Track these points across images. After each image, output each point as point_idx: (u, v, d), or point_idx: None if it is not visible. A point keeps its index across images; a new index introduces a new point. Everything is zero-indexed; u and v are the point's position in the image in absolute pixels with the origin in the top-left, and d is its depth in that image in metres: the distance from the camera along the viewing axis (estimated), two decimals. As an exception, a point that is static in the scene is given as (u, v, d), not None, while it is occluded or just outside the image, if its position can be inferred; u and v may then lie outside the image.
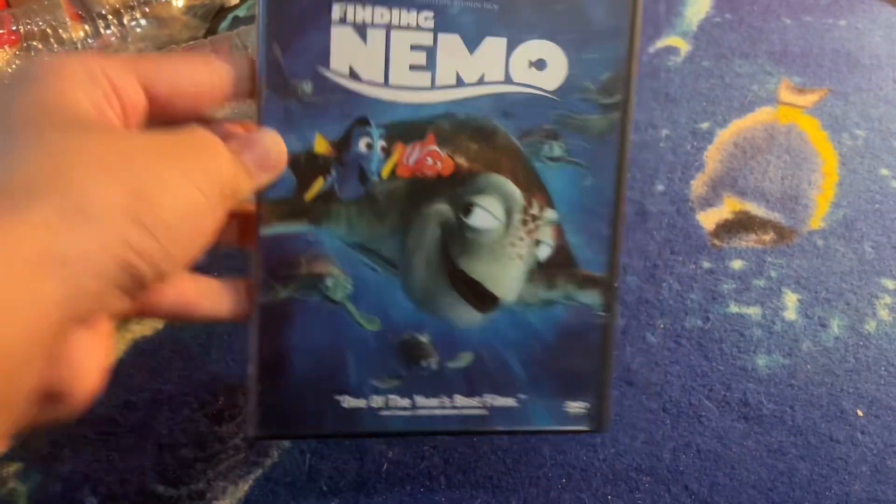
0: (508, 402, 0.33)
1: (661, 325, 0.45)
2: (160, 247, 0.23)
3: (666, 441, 0.41)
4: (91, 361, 0.24)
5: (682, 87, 0.56)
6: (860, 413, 0.41)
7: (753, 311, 0.45)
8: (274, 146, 0.30)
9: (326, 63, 0.30)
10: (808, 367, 0.43)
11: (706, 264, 0.47)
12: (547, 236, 0.32)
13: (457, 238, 0.32)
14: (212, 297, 0.31)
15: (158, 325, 0.48)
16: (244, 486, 0.41)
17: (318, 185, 0.31)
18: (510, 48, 0.31)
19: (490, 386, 0.33)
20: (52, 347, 0.22)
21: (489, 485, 0.40)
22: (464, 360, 0.33)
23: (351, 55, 0.30)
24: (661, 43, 0.59)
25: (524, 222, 0.32)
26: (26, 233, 0.20)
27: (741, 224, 0.48)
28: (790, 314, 0.45)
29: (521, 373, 0.33)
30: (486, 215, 0.32)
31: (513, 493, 0.39)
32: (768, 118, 0.54)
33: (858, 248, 0.47)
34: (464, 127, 0.31)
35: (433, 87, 0.31)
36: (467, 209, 0.32)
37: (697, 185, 0.50)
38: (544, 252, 0.33)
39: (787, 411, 0.42)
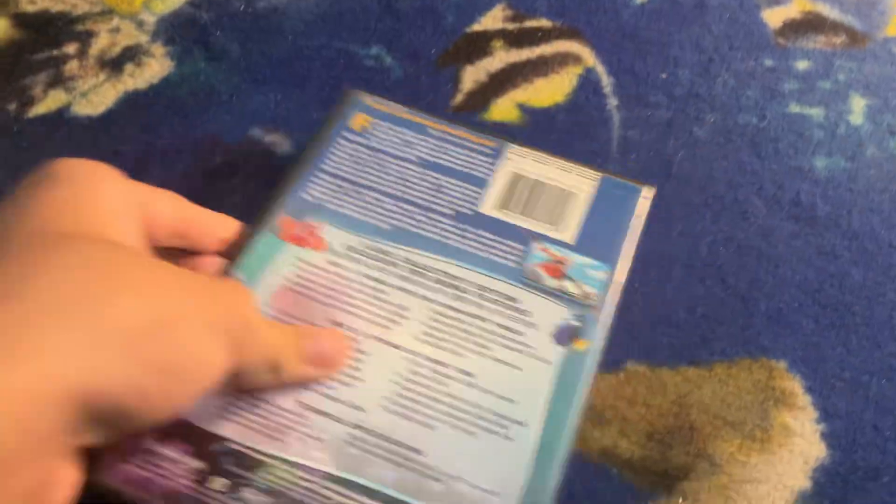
0: None
1: (712, 120, 0.40)
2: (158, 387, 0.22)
3: (704, 234, 0.37)
4: (65, 492, 0.22)
5: None
6: (925, 221, 0.37)
7: (816, 113, 0.40)
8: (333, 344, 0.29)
9: None
10: (871, 172, 0.39)
11: (768, 62, 0.42)
12: None
13: None
14: None
15: (154, 80, 0.44)
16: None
17: None
18: None
19: None
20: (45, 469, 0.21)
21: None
22: None
23: None
24: None
25: None
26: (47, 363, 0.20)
27: (811, 24, 0.43)
28: (856, 118, 0.40)
29: None
30: None
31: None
32: (850, -76, 0.48)
33: (939, 59, 0.42)
34: None
35: None
36: None
37: (765, -18, 0.45)
38: None
39: (843, 215, 0.37)
